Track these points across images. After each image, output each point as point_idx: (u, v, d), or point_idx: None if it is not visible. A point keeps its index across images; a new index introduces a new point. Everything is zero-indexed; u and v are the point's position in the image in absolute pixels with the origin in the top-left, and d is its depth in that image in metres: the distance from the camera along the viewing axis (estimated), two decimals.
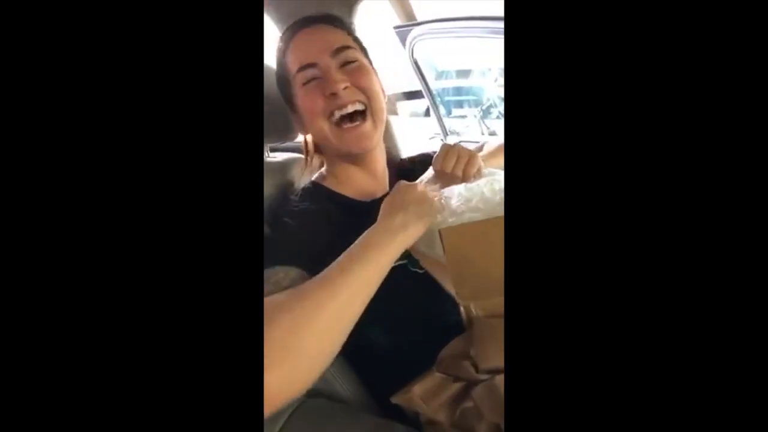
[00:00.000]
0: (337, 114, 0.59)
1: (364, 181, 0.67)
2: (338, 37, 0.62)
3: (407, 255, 0.67)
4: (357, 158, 0.66)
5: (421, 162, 0.77)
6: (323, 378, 0.59)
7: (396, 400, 0.52)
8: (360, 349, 0.62)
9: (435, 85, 1.71)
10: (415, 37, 1.42)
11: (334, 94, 0.58)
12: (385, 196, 0.66)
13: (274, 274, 0.52)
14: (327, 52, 0.60)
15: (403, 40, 1.43)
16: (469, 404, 0.48)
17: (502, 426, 0.47)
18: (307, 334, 0.42)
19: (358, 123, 0.60)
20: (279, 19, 0.93)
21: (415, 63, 1.52)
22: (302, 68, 0.59)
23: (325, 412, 0.57)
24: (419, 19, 1.40)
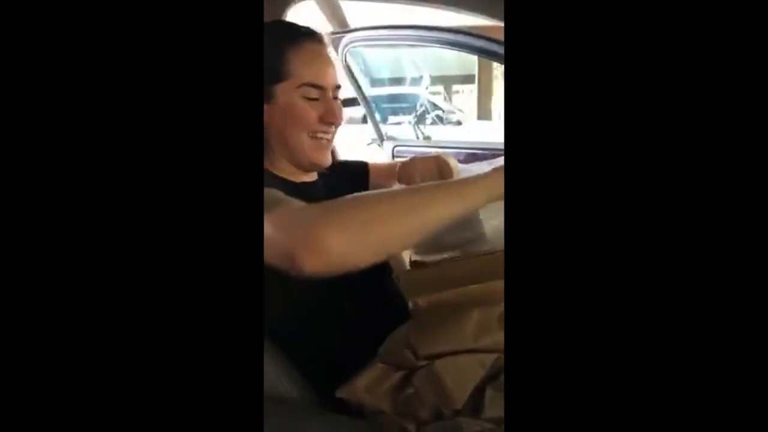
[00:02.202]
0: (320, 135, 0.68)
1: (296, 173, 0.73)
2: (335, 71, 0.71)
3: None
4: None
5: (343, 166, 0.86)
6: (265, 379, 0.59)
7: (340, 393, 0.53)
8: (303, 347, 0.63)
9: (370, 92, 1.74)
10: (347, 44, 1.44)
11: (331, 123, 0.68)
12: (314, 180, 0.74)
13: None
14: (334, 83, 0.69)
15: (335, 47, 1.45)
16: (410, 390, 0.50)
17: (443, 408, 0.49)
18: (383, 213, 0.46)
19: (328, 143, 0.70)
20: None
21: (349, 70, 1.54)
22: (312, 86, 0.66)
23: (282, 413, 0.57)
24: (351, 26, 1.42)
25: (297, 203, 0.50)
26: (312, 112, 0.67)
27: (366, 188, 0.86)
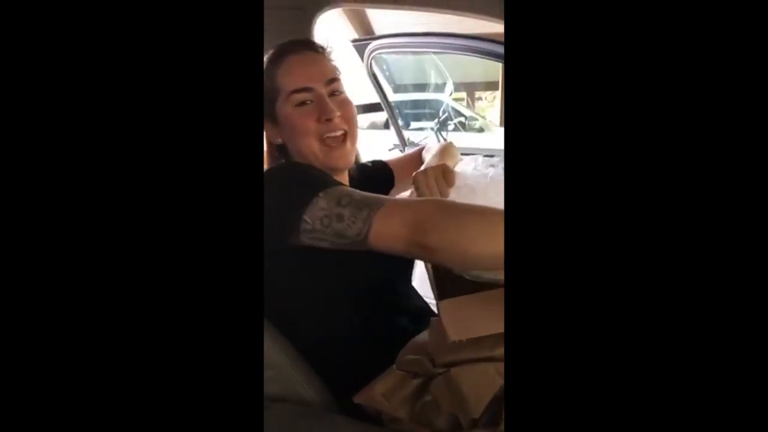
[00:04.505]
0: (326, 135, 0.69)
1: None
2: (329, 68, 0.72)
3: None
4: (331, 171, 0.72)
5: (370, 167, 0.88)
6: (286, 382, 0.60)
7: (358, 399, 0.54)
8: (323, 351, 0.63)
9: (393, 98, 1.75)
10: (372, 51, 1.45)
11: (329, 120, 0.68)
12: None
13: (333, 195, 0.56)
14: (322, 80, 0.69)
15: (361, 54, 1.47)
16: (427, 398, 0.50)
17: (460, 417, 0.49)
18: (474, 223, 0.52)
19: (341, 143, 0.70)
20: None
21: (374, 76, 1.56)
22: (298, 91, 0.68)
23: (296, 415, 0.58)
24: (376, 33, 1.44)
25: (403, 199, 0.59)
26: (307, 118, 0.67)
27: (393, 186, 0.88)
